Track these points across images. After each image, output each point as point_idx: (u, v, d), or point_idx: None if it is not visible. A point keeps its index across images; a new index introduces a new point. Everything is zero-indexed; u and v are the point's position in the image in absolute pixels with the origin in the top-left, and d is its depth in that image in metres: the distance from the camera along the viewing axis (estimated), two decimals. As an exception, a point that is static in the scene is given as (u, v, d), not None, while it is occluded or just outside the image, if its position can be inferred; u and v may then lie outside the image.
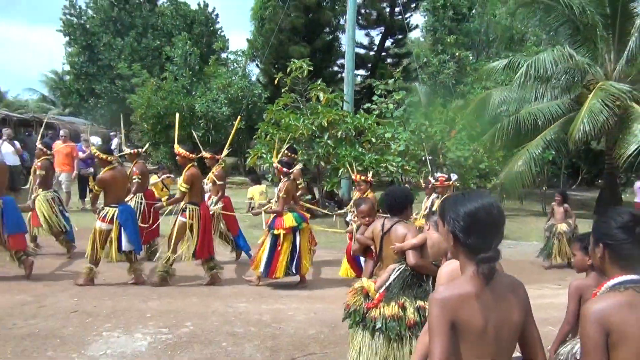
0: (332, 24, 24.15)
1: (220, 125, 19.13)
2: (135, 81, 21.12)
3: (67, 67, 30.20)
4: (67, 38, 28.06)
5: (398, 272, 3.71)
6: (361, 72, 26.14)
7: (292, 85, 12.57)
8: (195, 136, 9.45)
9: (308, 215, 7.32)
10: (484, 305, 1.80)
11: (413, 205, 4.24)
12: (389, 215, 4.00)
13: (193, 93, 20.21)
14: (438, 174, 8.07)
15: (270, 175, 12.17)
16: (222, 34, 28.90)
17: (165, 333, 5.05)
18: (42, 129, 10.48)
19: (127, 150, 8.11)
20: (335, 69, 24.98)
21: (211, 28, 28.08)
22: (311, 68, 12.29)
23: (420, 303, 3.56)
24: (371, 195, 7.13)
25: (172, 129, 19.17)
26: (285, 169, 6.98)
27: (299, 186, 7.97)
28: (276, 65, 20.87)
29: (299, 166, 8.16)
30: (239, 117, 11.48)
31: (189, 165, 6.80)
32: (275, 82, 12.61)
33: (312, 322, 5.63)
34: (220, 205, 7.80)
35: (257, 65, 24.77)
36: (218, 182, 7.81)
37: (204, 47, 25.05)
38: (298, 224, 6.85)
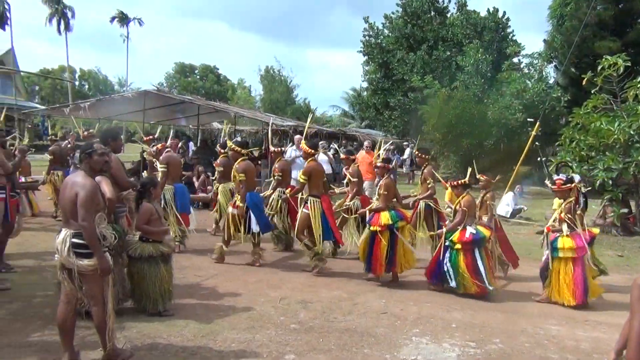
0: (649, 12, 20.84)
1: (514, 133, 18.26)
2: (427, 92, 21.73)
3: (364, 84, 33.06)
4: (366, 57, 30.62)
5: None
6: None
7: (603, 85, 11.15)
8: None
9: (408, 214, 7.15)
10: None
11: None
12: None
13: (485, 101, 19.78)
14: (555, 177, 6.64)
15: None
16: (514, 38, 27.73)
17: (473, 347, 4.88)
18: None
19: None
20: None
21: (502, 33, 27.18)
22: (628, 63, 10.70)
23: None
24: (468, 197, 6.60)
25: (463, 137, 19.26)
26: (389, 166, 7.20)
27: (429, 186, 7.72)
28: (579, 65, 18.95)
29: (429, 167, 7.88)
30: (537, 123, 10.73)
31: (310, 159, 7.56)
32: (584, 82, 11.35)
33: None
34: (355, 201, 8.16)
35: (555, 66, 22.95)
36: (352, 180, 8.28)
37: (494, 53, 24.38)
38: (394, 222, 6.73)
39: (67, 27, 45.33)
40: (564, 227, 6.30)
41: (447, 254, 6.52)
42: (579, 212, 6.57)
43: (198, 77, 62.22)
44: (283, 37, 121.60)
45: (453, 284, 6.47)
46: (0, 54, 35.19)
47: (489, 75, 21.21)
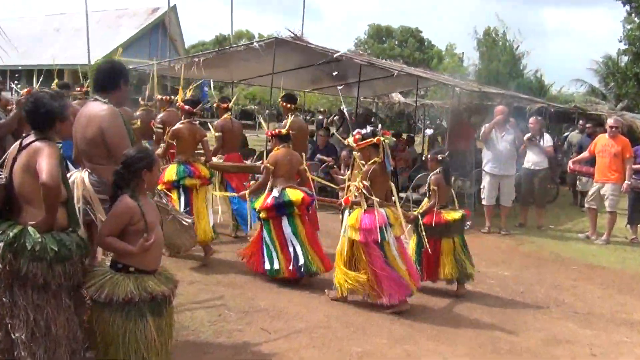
0: None
1: None
2: None
3: (623, 47, 25.52)
4: (627, 7, 23.33)
5: None
6: None
7: None
8: None
9: (205, 174, 5.92)
10: None
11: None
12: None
13: None
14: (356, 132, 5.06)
15: None
16: None
17: None
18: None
19: None
20: None
21: None
22: None
23: None
24: (277, 152, 5.50)
25: None
26: (188, 108, 6.11)
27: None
28: None
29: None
30: None
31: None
32: None
33: None
34: None
35: None
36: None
37: None
38: (179, 178, 5.72)
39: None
40: (363, 199, 4.70)
41: (264, 228, 5.32)
42: (434, 187, 5.22)
43: (396, 42, 52.55)
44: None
45: (267, 266, 5.21)
46: (161, 13, 29.23)
47: None
